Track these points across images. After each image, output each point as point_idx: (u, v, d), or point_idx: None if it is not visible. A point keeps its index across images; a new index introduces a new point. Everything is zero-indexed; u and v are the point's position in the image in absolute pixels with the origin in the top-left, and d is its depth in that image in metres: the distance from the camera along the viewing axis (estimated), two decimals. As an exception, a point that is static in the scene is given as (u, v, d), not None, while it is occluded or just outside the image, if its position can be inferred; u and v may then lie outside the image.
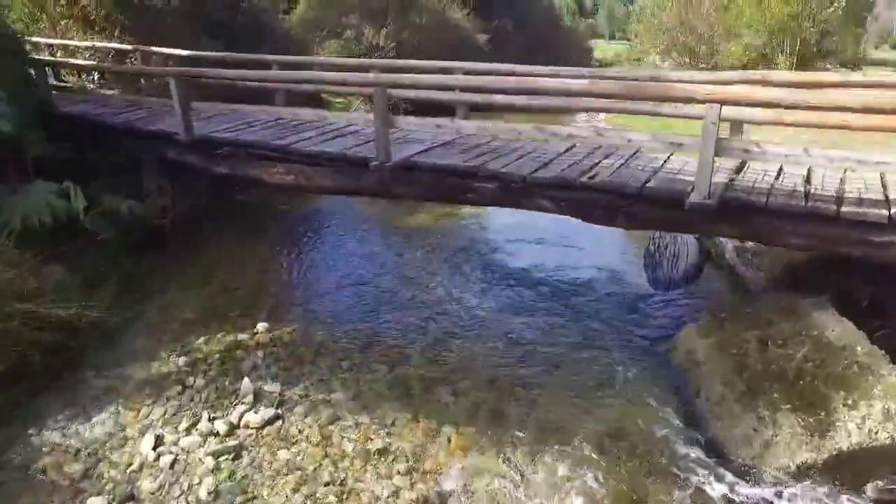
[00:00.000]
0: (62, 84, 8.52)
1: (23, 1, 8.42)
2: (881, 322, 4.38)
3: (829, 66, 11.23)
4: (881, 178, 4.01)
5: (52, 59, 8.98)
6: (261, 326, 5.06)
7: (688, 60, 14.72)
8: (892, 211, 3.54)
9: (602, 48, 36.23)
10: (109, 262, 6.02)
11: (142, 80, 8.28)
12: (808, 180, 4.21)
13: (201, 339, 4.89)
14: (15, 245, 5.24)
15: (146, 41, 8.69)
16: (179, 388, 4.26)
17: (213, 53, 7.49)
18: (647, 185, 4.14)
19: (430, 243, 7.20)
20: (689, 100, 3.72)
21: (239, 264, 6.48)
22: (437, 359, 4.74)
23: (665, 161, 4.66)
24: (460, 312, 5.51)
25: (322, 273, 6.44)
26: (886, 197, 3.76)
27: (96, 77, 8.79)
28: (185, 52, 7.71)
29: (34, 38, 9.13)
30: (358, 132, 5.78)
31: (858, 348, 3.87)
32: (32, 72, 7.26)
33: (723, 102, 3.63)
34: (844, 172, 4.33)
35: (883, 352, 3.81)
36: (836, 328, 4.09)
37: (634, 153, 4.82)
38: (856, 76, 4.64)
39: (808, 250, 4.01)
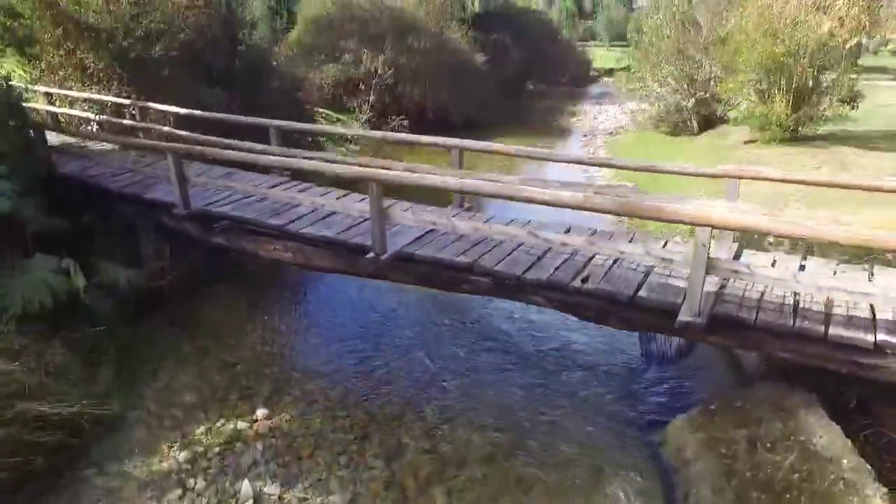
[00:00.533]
0: (60, 132, 8.57)
1: (19, 52, 8.42)
2: (869, 420, 4.46)
3: (824, 103, 11.27)
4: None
5: (51, 107, 9.06)
6: (260, 413, 5.13)
7: (685, 86, 14.76)
8: (879, 337, 3.61)
9: (601, 56, 36.12)
10: (108, 336, 6.09)
11: (140, 133, 8.32)
12: (801, 268, 4.27)
13: (201, 429, 4.96)
14: (16, 327, 5.35)
15: (145, 91, 8.74)
16: (180, 490, 4.33)
17: (212, 114, 7.52)
18: (638, 294, 4.20)
19: (429, 302, 7.25)
20: (678, 220, 3.78)
21: (237, 331, 6.56)
22: (432, 449, 4.82)
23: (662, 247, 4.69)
24: (455, 390, 5.59)
25: (319, 342, 6.49)
26: (874, 315, 3.82)
27: (95, 128, 8.82)
28: (182, 111, 7.76)
29: (34, 87, 9.21)
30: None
31: (845, 461, 3.94)
32: (31, 133, 7.33)
33: (712, 226, 3.69)
34: (835, 274, 4.39)
35: (869, 466, 3.88)
36: (825, 435, 4.16)
37: (630, 241, 4.86)
38: (851, 176, 4.68)
39: (796, 363, 4.06)
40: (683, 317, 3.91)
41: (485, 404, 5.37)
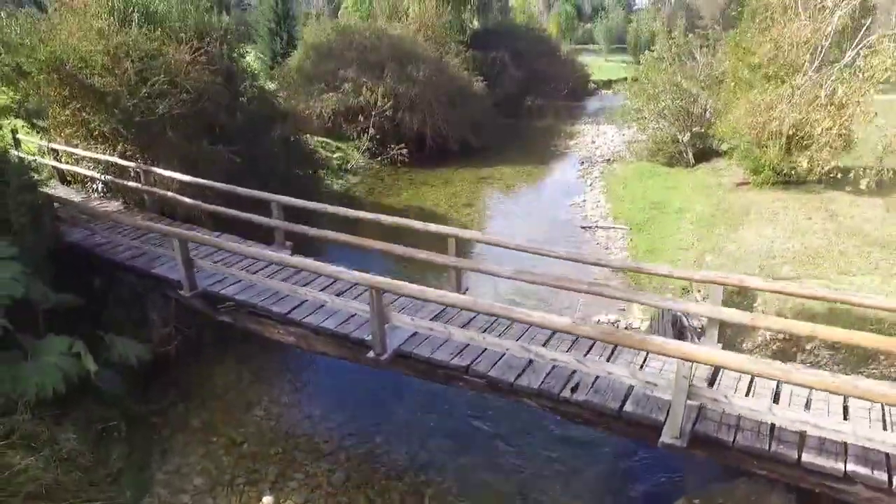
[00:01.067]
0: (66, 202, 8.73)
1: (29, 123, 8.62)
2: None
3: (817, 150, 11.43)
4: (843, 410, 4.29)
5: (58, 163, 9.25)
6: (266, 500, 5.37)
7: (682, 119, 14.89)
8: (849, 467, 3.84)
9: (599, 68, 36.11)
10: (118, 412, 6.32)
11: (145, 196, 8.52)
12: (776, 399, 4.50)
13: (210, 520, 5.21)
14: (30, 414, 5.58)
15: (148, 150, 8.94)
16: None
17: (215, 184, 7.71)
18: (624, 408, 4.43)
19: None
20: (664, 353, 4.00)
21: (242, 403, 6.79)
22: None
23: (643, 363, 4.91)
24: (451, 468, 5.82)
25: (320, 414, 6.67)
26: (846, 446, 4.01)
27: (100, 187, 9.02)
28: (186, 178, 7.95)
29: (39, 142, 9.40)
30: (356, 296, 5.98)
31: (818, 572, 4.19)
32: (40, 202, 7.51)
33: (693, 361, 3.91)
34: (810, 395, 4.58)
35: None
36: (799, 543, 4.40)
37: (613, 351, 5.05)
38: (819, 289, 4.88)
39: (772, 480, 4.30)
40: (666, 438, 4.14)
41: (482, 486, 5.60)
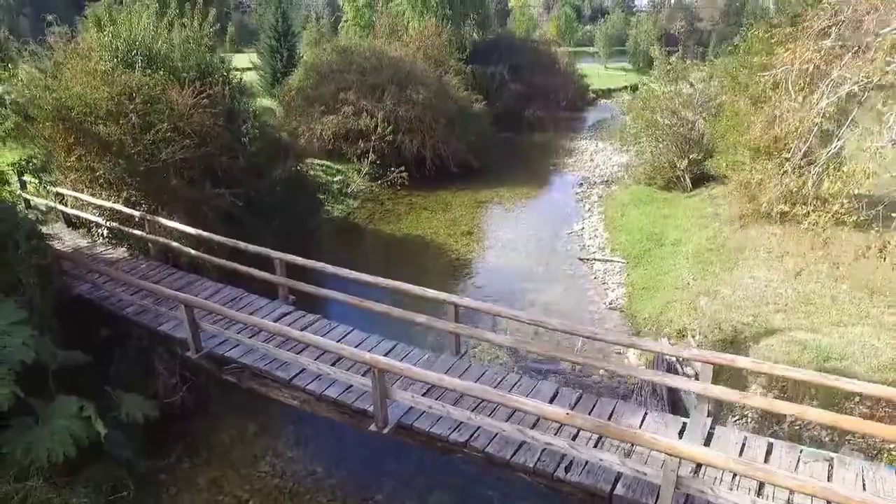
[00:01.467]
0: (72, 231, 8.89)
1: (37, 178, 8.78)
2: None
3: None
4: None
5: (64, 207, 9.39)
6: (271, 566, 5.57)
7: (679, 145, 15.01)
8: (829, 562, 4.02)
9: (598, 76, 36.06)
10: (125, 471, 6.50)
11: (150, 245, 8.68)
12: (760, 486, 4.67)
13: (218, 588, 5.40)
14: (42, 479, 5.76)
15: (152, 196, 9.10)
16: None
17: (221, 238, 7.85)
18: (615, 492, 4.61)
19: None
20: (654, 448, 4.18)
21: (247, 458, 6.97)
22: None
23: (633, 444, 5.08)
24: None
25: (324, 471, 6.80)
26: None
27: (105, 232, 9.18)
28: (190, 230, 8.10)
29: (48, 187, 9.55)
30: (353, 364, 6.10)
31: None
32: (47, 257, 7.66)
33: (681, 458, 4.09)
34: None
35: None
36: None
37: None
38: (807, 372, 5.00)
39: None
40: (655, 527, 4.32)
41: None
